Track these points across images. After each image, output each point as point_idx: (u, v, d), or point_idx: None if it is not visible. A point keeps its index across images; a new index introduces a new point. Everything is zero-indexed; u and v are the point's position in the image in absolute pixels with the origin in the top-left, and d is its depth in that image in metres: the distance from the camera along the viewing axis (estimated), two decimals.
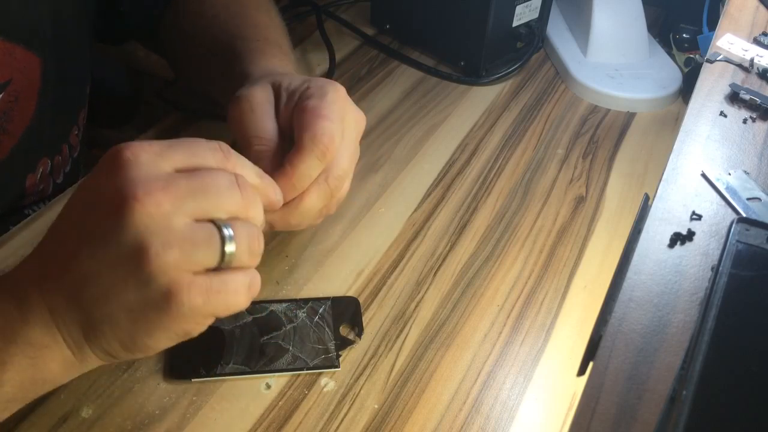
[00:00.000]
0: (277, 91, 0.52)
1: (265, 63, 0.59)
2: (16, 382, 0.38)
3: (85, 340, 0.38)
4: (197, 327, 0.39)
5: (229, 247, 0.38)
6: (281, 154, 0.49)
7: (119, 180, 0.36)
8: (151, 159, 0.37)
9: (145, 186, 0.36)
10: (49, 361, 0.39)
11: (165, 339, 0.39)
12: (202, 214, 0.38)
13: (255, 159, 0.48)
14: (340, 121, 0.50)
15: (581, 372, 0.39)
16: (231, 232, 0.38)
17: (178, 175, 0.37)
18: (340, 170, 0.50)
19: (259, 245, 0.40)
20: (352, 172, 0.52)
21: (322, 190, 0.50)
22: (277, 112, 0.51)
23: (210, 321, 0.39)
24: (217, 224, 0.38)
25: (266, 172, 0.45)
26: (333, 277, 0.59)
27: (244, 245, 0.38)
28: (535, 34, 0.86)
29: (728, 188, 0.50)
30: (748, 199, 0.49)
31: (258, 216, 0.41)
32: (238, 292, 0.39)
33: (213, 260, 0.38)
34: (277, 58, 0.60)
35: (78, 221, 0.38)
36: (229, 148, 0.42)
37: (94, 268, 0.36)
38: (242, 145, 0.49)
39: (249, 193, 0.40)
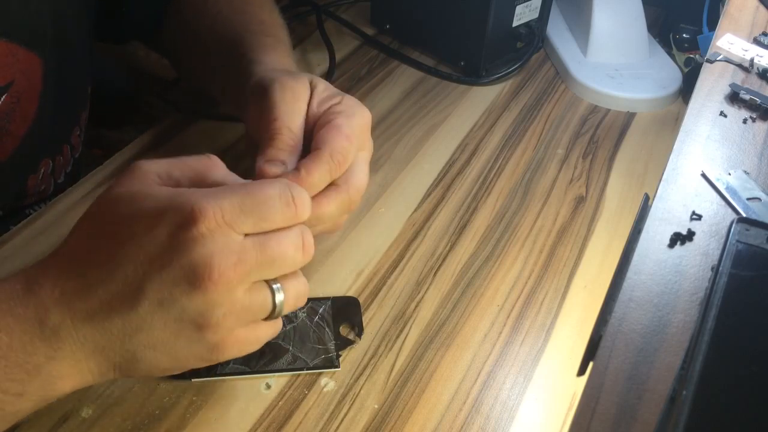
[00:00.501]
0: (313, 92, 0.52)
1: (276, 59, 0.59)
2: (31, 407, 0.39)
3: (115, 371, 0.40)
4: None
5: (278, 309, 0.41)
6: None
7: (194, 255, 0.37)
8: (225, 231, 0.38)
9: (220, 266, 0.37)
10: (67, 386, 0.40)
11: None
12: (263, 279, 0.40)
13: (279, 148, 0.48)
14: (359, 144, 0.51)
15: (581, 372, 0.39)
16: (281, 297, 0.41)
17: (249, 247, 0.38)
18: (359, 183, 0.51)
19: (305, 298, 0.43)
20: (365, 188, 0.53)
21: (341, 201, 0.50)
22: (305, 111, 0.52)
23: None
24: (269, 284, 0.41)
25: (284, 162, 0.48)
26: (333, 277, 0.59)
27: (291, 303, 0.42)
28: (535, 34, 0.86)
29: (728, 188, 0.50)
30: (748, 199, 0.49)
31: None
32: (261, 343, 0.43)
33: (262, 318, 0.42)
34: (285, 57, 0.60)
35: (134, 271, 0.37)
36: (299, 197, 0.41)
37: (150, 321, 0.38)
38: (270, 129, 0.49)
39: (310, 250, 0.42)
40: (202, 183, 0.42)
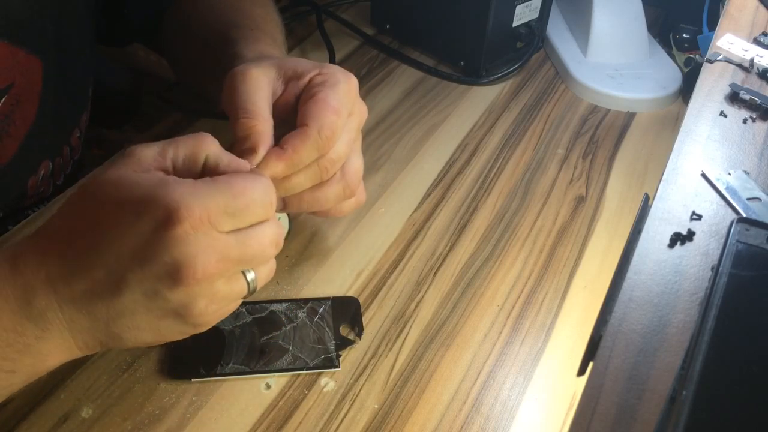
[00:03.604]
0: (283, 73, 0.51)
1: (260, 49, 0.58)
2: (21, 381, 0.41)
3: (101, 346, 0.42)
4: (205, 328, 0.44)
5: (251, 290, 0.43)
6: (277, 134, 0.48)
7: (178, 253, 0.38)
8: (207, 231, 0.39)
9: (204, 265, 0.38)
10: (56, 362, 0.41)
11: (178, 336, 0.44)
12: (240, 271, 0.42)
13: (241, 134, 0.47)
14: (347, 114, 0.50)
15: (581, 372, 0.39)
16: (253, 277, 0.43)
17: (231, 245, 0.40)
18: (334, 154, 0.50)
19: (272, 274, 0.45)
20: (345, 158, 0.52)
21: (311, 170, 0.49)
22: (280, 93, 0.50)
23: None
24: (243, 272, 0.42)
25: (254, 150, 0.46)
26: (333, 277, 0.59)
27: (262, 284, 0.44)
28: (535, 34, 0.86)
29: (728, 188, 0.50)
30: (748, 199, 0.49)
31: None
32: (236, 306, 0.45)
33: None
34: (270, 47, 0.60)
35: (116, 262, 0.38)
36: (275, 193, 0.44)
37: (132, 308, 0.39)
38: (231, 118, 0.48)
39: (281, 242, 0.44)
40: (196, 160, 0.43)
